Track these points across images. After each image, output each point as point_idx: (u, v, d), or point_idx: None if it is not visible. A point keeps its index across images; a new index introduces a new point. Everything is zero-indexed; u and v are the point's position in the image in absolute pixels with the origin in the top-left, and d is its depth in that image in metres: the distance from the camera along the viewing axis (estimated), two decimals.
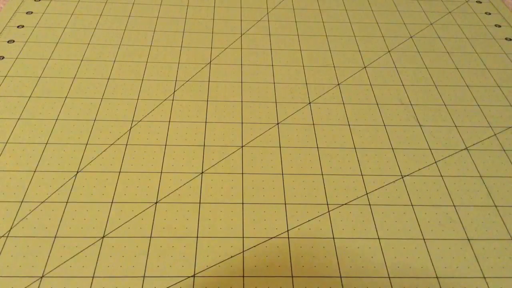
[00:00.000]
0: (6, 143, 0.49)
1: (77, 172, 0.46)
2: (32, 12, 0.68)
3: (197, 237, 0.41)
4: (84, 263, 0.39)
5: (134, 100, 0.55)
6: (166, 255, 0.40)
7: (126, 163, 0.47)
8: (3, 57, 0.60)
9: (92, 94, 0.55)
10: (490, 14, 0.74)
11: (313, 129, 0.52)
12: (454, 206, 0.45)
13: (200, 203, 0.44)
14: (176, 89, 0.57)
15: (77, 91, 0.55)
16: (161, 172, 0.47)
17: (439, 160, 0.50)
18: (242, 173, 0.47)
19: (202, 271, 0.39)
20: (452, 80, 0.61)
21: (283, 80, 0.59)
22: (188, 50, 0.63)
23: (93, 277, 0.38)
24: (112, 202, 0.44)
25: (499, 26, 0.71)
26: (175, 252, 0.40)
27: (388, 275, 0.40)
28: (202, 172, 0.47)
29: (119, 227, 0.42)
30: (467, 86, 0.60)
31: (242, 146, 0.50)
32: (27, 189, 0.44)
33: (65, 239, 0.41)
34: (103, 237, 0.41)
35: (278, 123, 0.53)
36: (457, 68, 0.62)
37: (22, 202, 0.43)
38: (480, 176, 0.48)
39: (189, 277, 0.39)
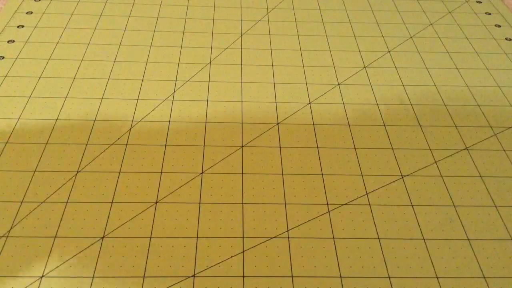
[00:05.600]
0: (6, 143, 0.49)
1: (77, 172, 0.46)
2: (32, 12, 0.68)
3: (197, 237, 0.41)
4: (84, 263, 0.39)
5: (134, 100, 0.55)
6: (166, 255, 0.40)
7: (126, 163, 0.47)
8: (3, 57, 0.60)
9: (92, 94, 0.55)
10: (490, 14, 0.74)
11: (313, 129, 0.52)
12: (454, 206, 0.45)
13: (200, 203, 0.44)
14: (176, 89, 0.57)
15: (77, 91, 0.55)
16: (161, 172, 0.47)
17: (439, 160, 0.50)
18: (242, 173, 0.47)
19: (202, 271, 0.39)
20: (452, 80, 0.61)
21: (283, 80, 0.59)
22: (188, 50, 0.63)
23: (93, 277, 0.38)
24: (112, 202, 0.44)
25: (499, 26, 0.71)
26: (175, 252, 0.40)
27: (388, 275, 0.40)
28: (202, 172, 0.47)
29: (119, 227, 0.42)
30: (467, 86, 0.60)
31: (242, 146, 0.50)
32: (27, 189, 0.44)
33: (65, 239, 0.41)
34: (103, 237, 0.41)
35: (278, 123, 0.53)
36: (457, 68, 0.62)
37: (22, 202, 0.43)
38: (480, 176, 0.48)
39: (189, 277, 0.39)
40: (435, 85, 0.59)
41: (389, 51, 0.65)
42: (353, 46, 0.65)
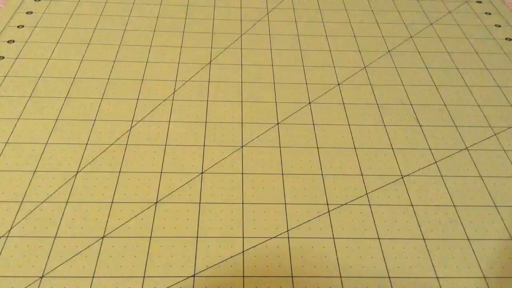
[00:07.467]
0: (6, 143, 0.49)
1: (77, 172, 0.46)
2: (32, 12, 0.68)
3: (197, 237, 0.41)
4: (84, 263, 0.39)
5: (134, 100, 0.55)
6: (166, 255, 0.40)
7: (126, 163, 0.47)
8: (3, 57, 0.60)
9: (92, 94, 0.55)
10: (490, 14, 0.74)
11: (313, 129, 0.52)
12: (454, 206, 0.45)
13: (200, 203, 0.44)
14: (176, 89, 0.57)
15: (77, 91, 0.55)
16: (161, 172, 0.47)
17: (439, 160, 0.50)
18: (242, 173, 0.47)
19: (202, 271, 0.39)
20: (452, 80, 0.61)
21: (283, 80, 0.59)
22: (188, 50, 0.63)
23: (93, 277, 0.38)
24: (112, 202, 0.44)
25: (499, 26, 0.71)
26: (175, 252, 0.40)
27: (388, 275, 0.40)
28: (202, 172, 0.47)
29: (119, 227, 0.42)
30: (467, 86, 0.60)
31: (242, 146, 0.50)
32: (27, 189, 0.44)
33: (65, 239, 0.41)
34: (103, 237, 0.41)
35: (278, 123, 0.53)
36: (457, 68, 0.62)
37: (22, 202, 0.43)
38: (480, 176, 0.48)
39: (189, 277, 0.39)
40: (435, 85, 0.59)
41: (389, 51, 0.65)
42: (353, 46, 0.65)
